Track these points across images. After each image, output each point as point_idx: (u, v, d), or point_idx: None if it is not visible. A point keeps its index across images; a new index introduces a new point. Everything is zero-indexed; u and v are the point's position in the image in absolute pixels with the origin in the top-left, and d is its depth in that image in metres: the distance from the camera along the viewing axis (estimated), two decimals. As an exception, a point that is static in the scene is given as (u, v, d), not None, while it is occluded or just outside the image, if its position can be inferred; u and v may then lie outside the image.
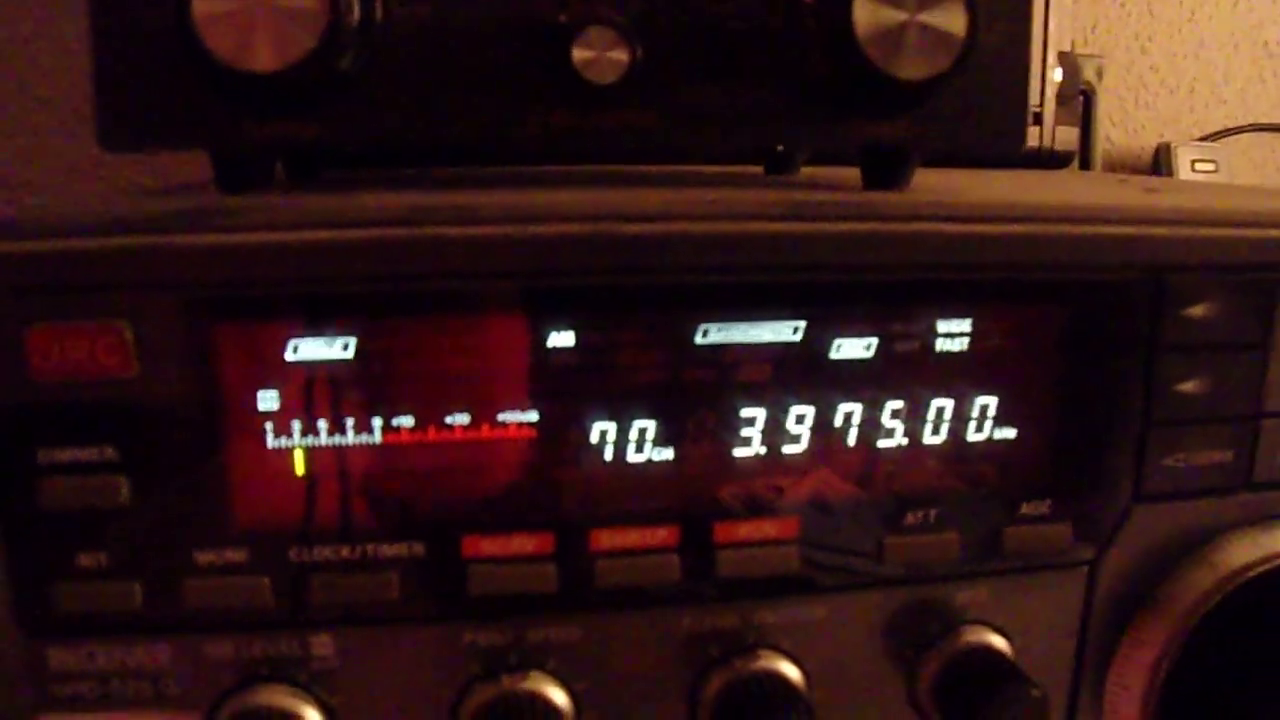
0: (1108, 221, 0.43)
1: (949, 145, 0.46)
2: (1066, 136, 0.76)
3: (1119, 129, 1.01)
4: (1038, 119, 0.74)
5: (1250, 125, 1.00)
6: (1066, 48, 0.76)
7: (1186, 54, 1.01)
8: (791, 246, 0.40)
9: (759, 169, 0.66)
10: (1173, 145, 0.90)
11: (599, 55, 0.42)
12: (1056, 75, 0.74)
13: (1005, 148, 0.47)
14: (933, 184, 0.52)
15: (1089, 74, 0.81)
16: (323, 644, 0.41)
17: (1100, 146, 0.85)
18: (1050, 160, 0.75)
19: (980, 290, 0.43)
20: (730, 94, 0.44)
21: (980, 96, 0.45)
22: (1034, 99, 0.72)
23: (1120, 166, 0.99)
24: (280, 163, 0.56)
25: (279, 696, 0.40)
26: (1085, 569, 0.46)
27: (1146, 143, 1.00)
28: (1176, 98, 1.02)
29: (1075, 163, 0.79)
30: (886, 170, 0.48)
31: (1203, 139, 0.96)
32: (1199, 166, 0.90)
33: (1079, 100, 0.80)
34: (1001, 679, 0.42)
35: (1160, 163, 0.92)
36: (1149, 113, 1.02)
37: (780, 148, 0.61)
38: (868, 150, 0.48)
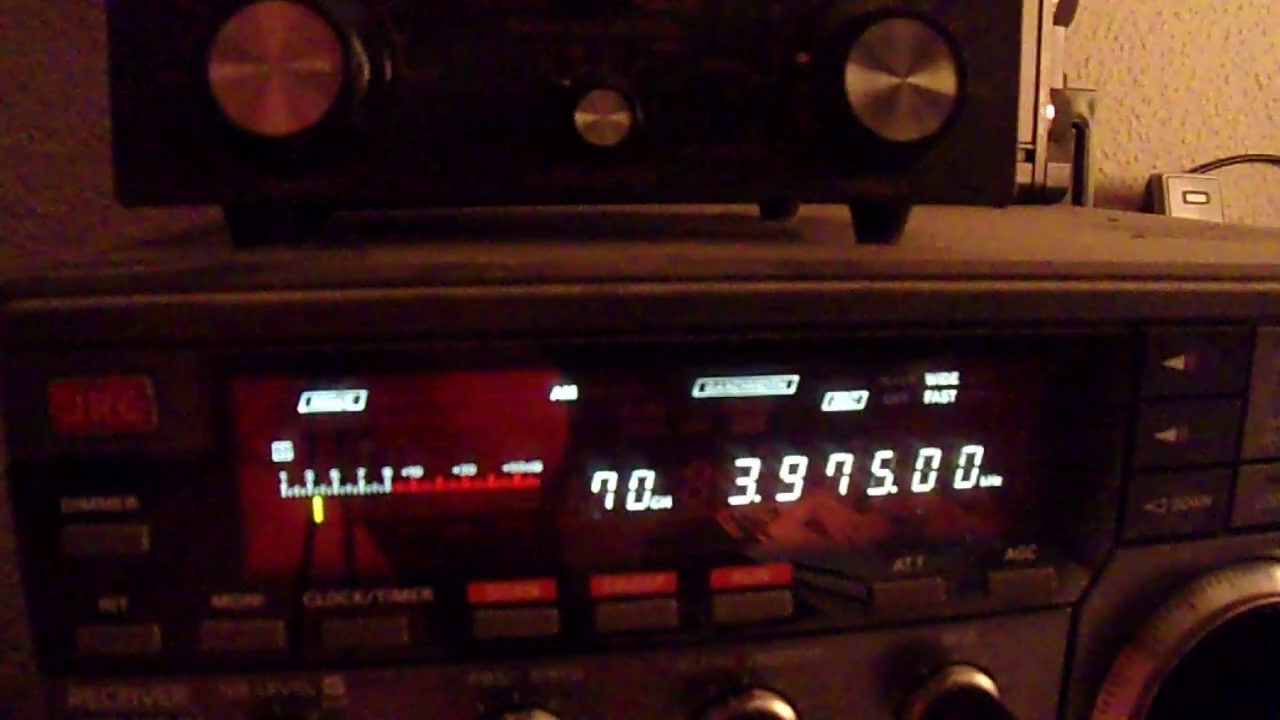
0: (1090, 278, 0.44)
1: (938, 199, 0.48)
2: (1059, 173, 0.77)
3: (1111, 160, 1.02)
4: (1029, 156, 0.75)
5: (1242, 156, 1.02)
6: (1059, 84, 0.77)
7: (1178, 86, 1.03)
8: (786, 305, 0.42)
9: (754, 208, 0.68)
10: (1165, 177, 0.92)
11: (601, 118, 0.43)
12: (1049, 112, 0.75)
13: (993, 200, 0.48)
14: (925, 229, 0.53)
15: (1081, 108, 0.82)
16: (334, 684, 0.42)
17: (1094, 178, 0.86)
18: (1042, 196, 0.77)
19: (967, 345, 0.44)
20: (726, 152, 0.46)
21: (969, 151, 0.47)
22: (1025, 135, 0.73)
23: (1113, 198, 1.00)
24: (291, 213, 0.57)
25: (293, 735, 0.42)
26: (1069, 610, 0.47)
27: (1139, 173, 1.01)
28: (1169, 129, 1.03)
29: (1068, 196, 0.81)
30: (878, 223, 0.49)
31: (1194, 170, 0.98)
32: (1190, 198, 0.91)
33: (1071, 133, 0.81)
34: (987, 717, 0.44)
35: (1152, 195, 0.93)
36: (1141, 144, 1.03)
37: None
38: (860, 204, 0.50)
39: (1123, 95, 1.01)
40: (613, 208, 0.58)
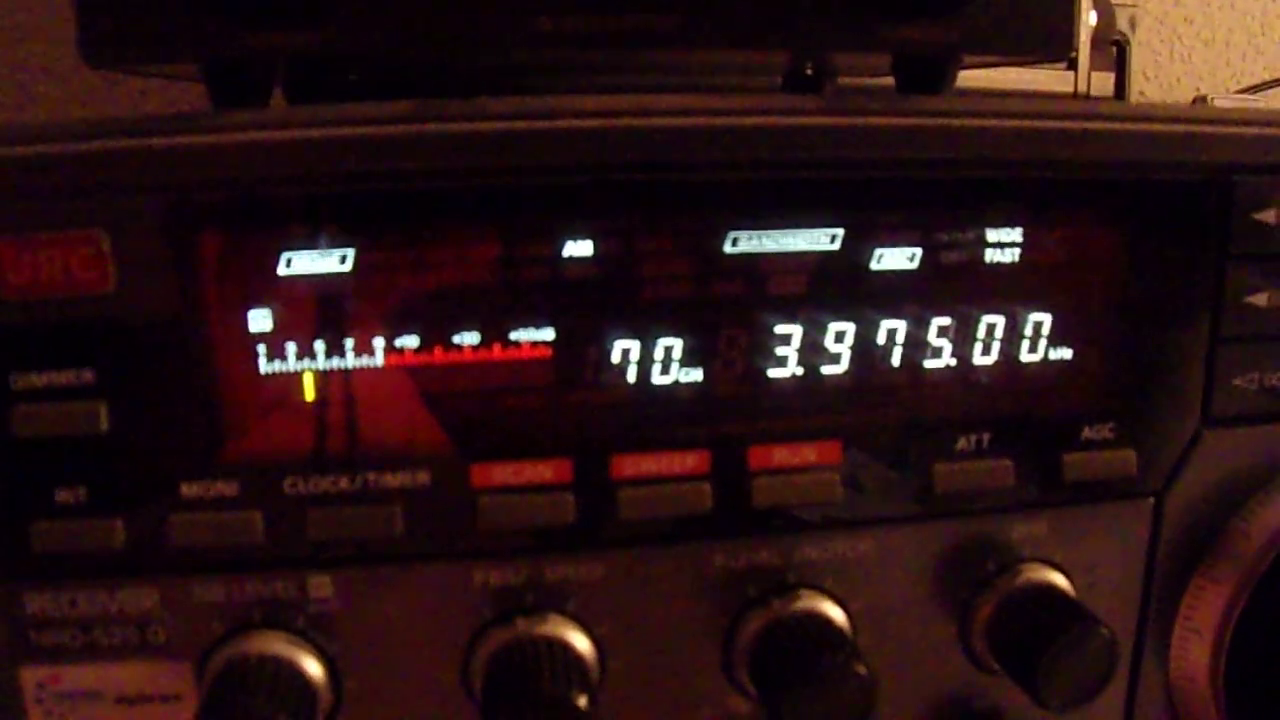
0: (1170, 120, 0.40)
1: (990, 49, 0.43)
2: (1101, 84, 0.73)
3: (1152, 83, 0.98)
4: (1072, 64, 0.71)
5: (1290, 77, 0.97)
6: (1104, -10, 0.73)
7: (1221, 5, 0.98)
8: (828, 141, 0.37)
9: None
10: (1210, 99, 0.87)
11: (617, -54, 0.39)
12: (1091, 19, 0.71)
13: (1051, 53, 0.43)
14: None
15: (1122, 23, 0.77)
16: (321, 586, 0.38)
17: (1133, 100, 0.82)
18: (1086, 107, 0.72)
19: (1032, 195, 0.40)
20: (760, -8, 0.41)
21: (1025, -2, 0.42)
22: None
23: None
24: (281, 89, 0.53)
25: (275, 644, 0.37)
26: (1151, 500, 0.43)
27: (1182, 97, 0.97)
28: (1212, 50, 0.99)
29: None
30: (924, 78, 0.44)
31: (1240, 92, 0.93)
32: (1237, 107, 0.87)
33: (1112, 49, 0.76)
34: (1066, 619, 0.39)
35: (1197, 115, 0.89)
36: (1184, 66, 0.99)
37: (809, 72, 0.58)
38: (905, 57, 0.45)
39: (1163, 14, 0.97)
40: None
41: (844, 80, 0.59)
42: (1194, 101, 0.89)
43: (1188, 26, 0.98)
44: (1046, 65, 0.70)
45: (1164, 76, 0.99)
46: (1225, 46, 0.99)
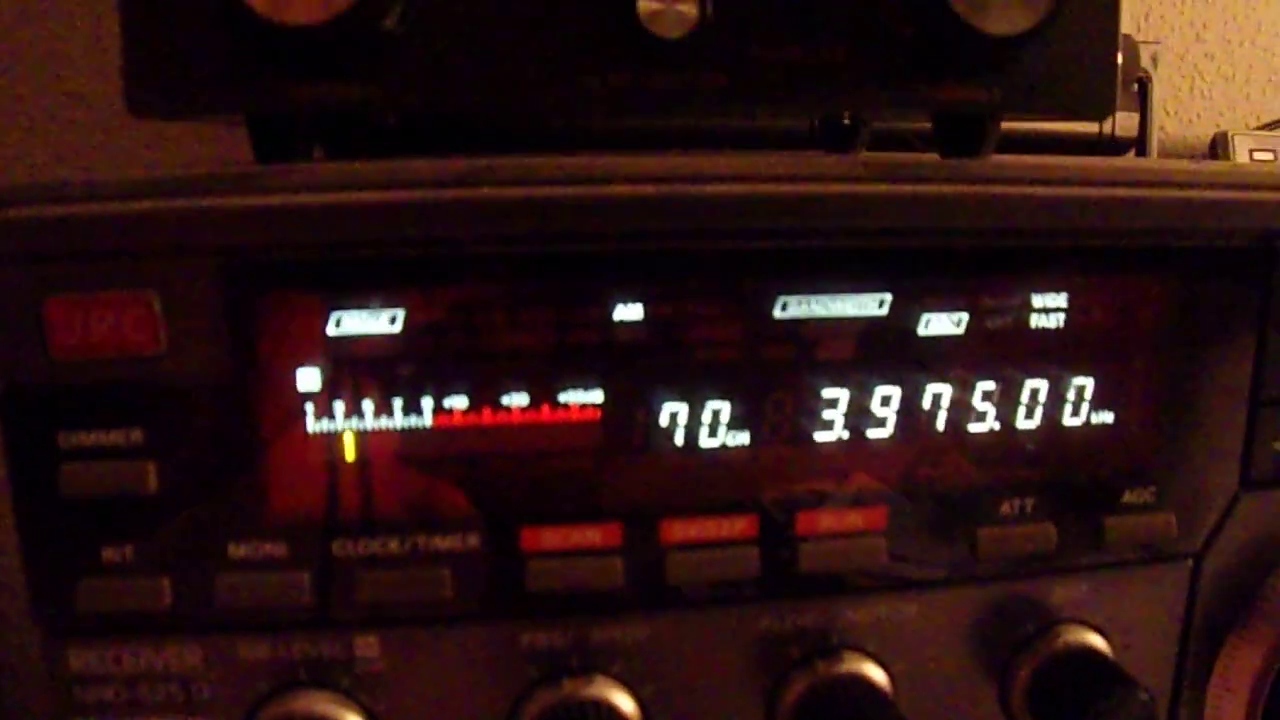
0: (1213, 186, 0.40)
1: (1033, 109, 0.43)
2: (1126, 123, 0.73)
3: (1173, 119, 0.98)
4: (1096, 103, 0.71)
5: (1311, 113, 0.97)
6: (1123, 27, 0.72)
7: (1243, 40, 0.98)
8: (876, 209, 0.37)
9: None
10: (1230, 134, 0.87)
11: (666, 7, 0.39)
12: (1117, 58, 0.70)
13: (1093, 112, 0.43)
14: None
15: (1145, 61, 0.78)
16: (367, 645, 0.38)
17: (1154, 136, 0.82)
18: (1110, 147, 0.72)
19: (1077, 260, 0.40)
20: (805, 53, 0.41)
21: (1068, 57, 0.42)
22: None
23: (1176, 157, 0.96)
24: (319, 143, 0.53)
25: (320, 703, 0.37)
26: (1189, 562, 0.43)
27: (1202, 132, 0.97)
28: (1232, 86, 0.99)
29: (1132, 151, 0.76)
30: (965, 137, 0.45)
31: (1260, 129, 0.93)
32: (1258, 156, 0.87)
33: (1135, 87, 0.77)
34: (1105, 682, 0.39)
35: (1218, 152, 0.89)
36: (1204, 101, 0.99)
37: (847, 121, 0.58)
38: (945, 116, 0.45)
39: (1184, 50, 0.97)
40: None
41: (879, 125, 0.59)
42: (1214, 139, 0.89)
43: (1208, 63, 0.98)
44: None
45: (1185, 112, 0.99)
46: (1246, 83, 0.99)
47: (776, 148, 0.65)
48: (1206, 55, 0.98)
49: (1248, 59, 0.99)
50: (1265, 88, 0.99)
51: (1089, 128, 0.71)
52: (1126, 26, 0.88)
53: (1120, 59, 0.72)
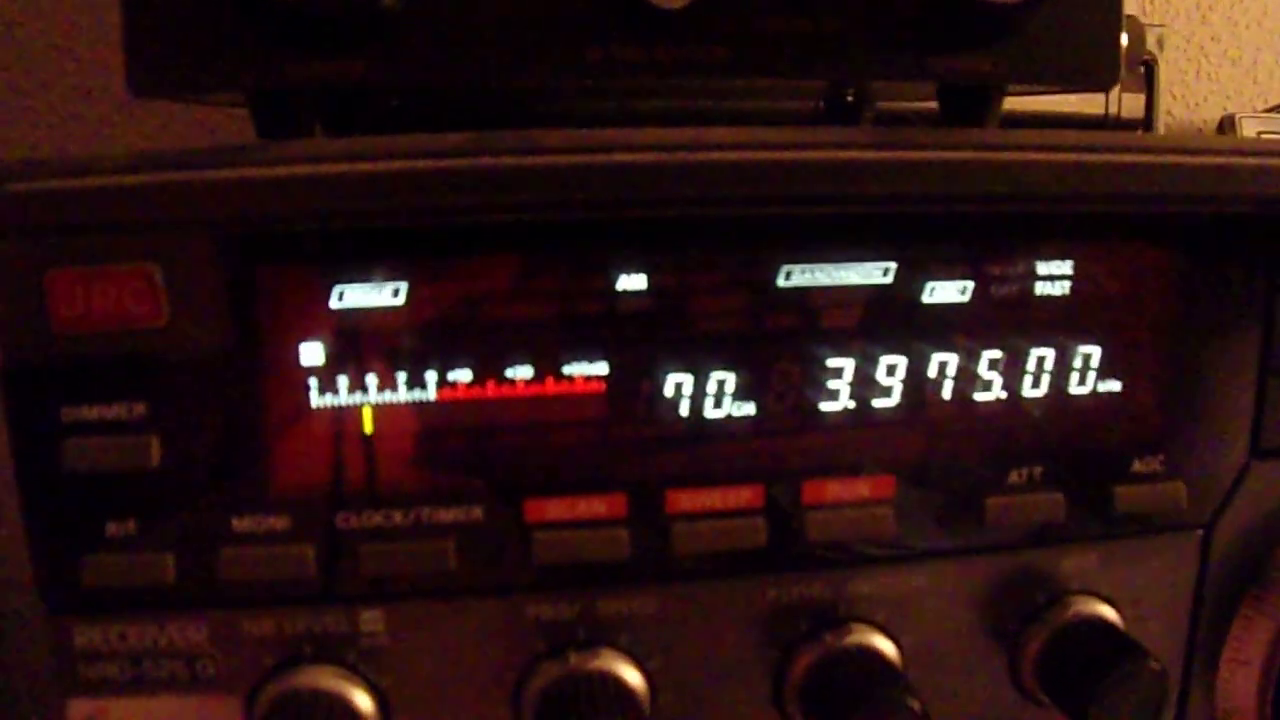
0: (1220, 153, 0.39)
1: (1036, 79, 0.43)
2: (1132, 104, 0.72)
3: (1179, 102, 0.97)
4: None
5: (1319, 95, 0.97)
6: (1130, 11, 0.72)
7: (1249, 23, 0.98)
8: (880, 175, 0.37)
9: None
10: (1238, 117, 0.87)
11: (666, -23, 0.38)
12: (1122, 39, 0.70)
13: (1097, 81, 0.43)
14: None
15: (1151, 43, 0.77)
16: (372, 620, 0.37)
17: (1161, 119, 0.81)
18: (1116, 128, 0.72)
19: (1083, 227, 0.39)
20: (807, 24, 0.41)
21: (1070, 24, 0.42)
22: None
23: (1183, 140, 0.95)
24: (322, 125, 0.53)
25: (325, 678, 0.37)
26: (1200, 532, 0.42)
27: (1209, 115, 0.97)
28: (1239, 69, 0.98)
29: (1140, 132, 0.76)
30: (969, 107, 0.44)
31: (1267, 111, 0.93)
32: (1266, 138, 0.87)
33: (1141, 69, 0.76)
34: (1116, 652, 0.39)
35: (1225, 134, 0.88)
36: (1211, 84, 0.98)
37: (850, 98, 0.58)
38: (949, 88, 0.45)
39: (1190, 33, 0.96)
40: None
41: (883, 105, 0.59)
42: (1221, 121, 0.89)
43: (1214, 45, 0.98)
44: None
45: (1191, 96, 0.98)
46: (1253, 65, 0.99)
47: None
48: (1213, 38, 0.98)
49: (1254, 42, 0.98)
50: (1273, 70, 0.99)
51: (1095, 109, 0.71)
52: (1132, 8, 0.87)
53: (1125, 40, 0.72)
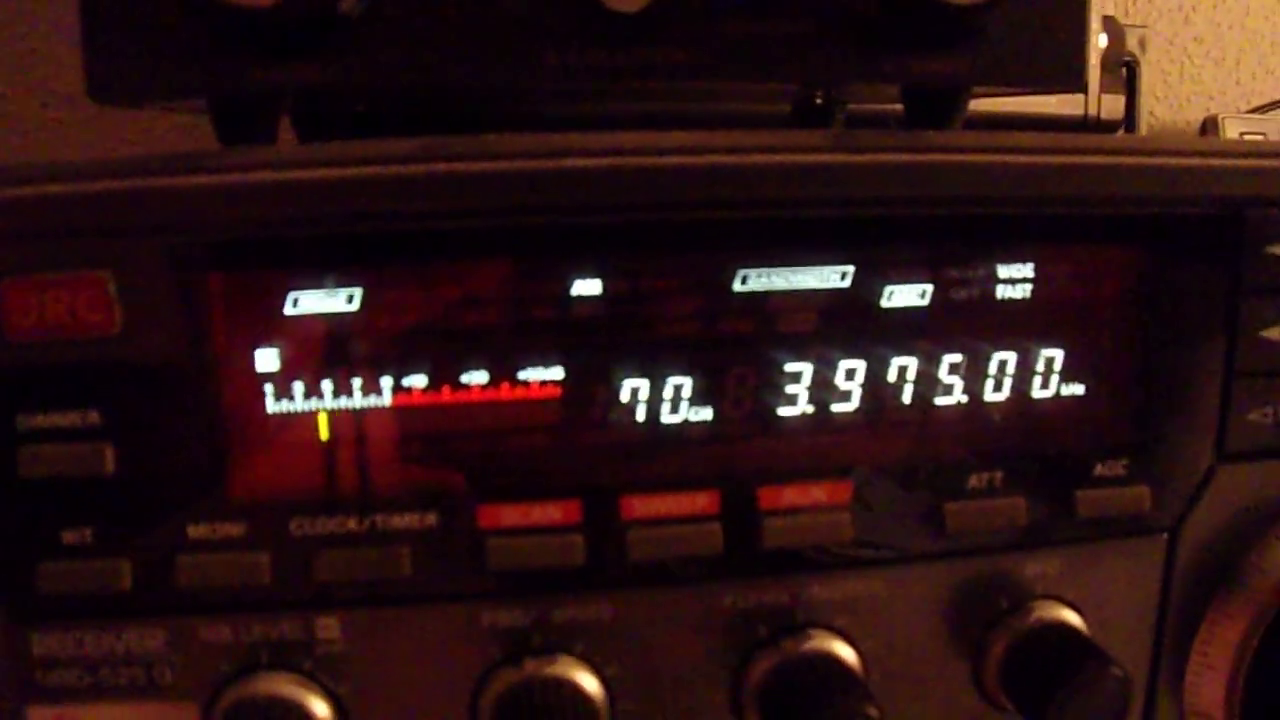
0: (1181, 154, 0.39)
1: (1001, 80, 0.43)
2: (1112, 105, 0.72)
3: (1162, 103, 0.97)
4: (1082, 86, 0.70)
5: (1302, 97, 0.96)
6: (1110, 12, 0.72)
7: (1232, 24, 0.98)
8: (837, 178, 0.37)
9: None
10: (1221, 118, 0.87)
11: (623, -20, 0.38)
12: (1101, 40, 0.70)
13: (1064, 82, 0.43)
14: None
15: (1132, 44, 0.77)
16: (328, 627, 0.37)
17: (1144, 121, 0.81)
18: (1096, 129, 0.72)
19: (1043, 230, 0.39)
20: (768, 27, 0.41)
21: (1036, 25, 0.41)
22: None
23: (1166, 141, 0.95)
24: (292, 131, 0.53)
25: (282, 685, 0.37)
26: (1165, 537, 0.42)
27: (1192, 116, 0.97)
28: (1222, 70, 0.98)
29: (1120, 133, 0.76)
30: (934, 109, 0.44)
31: (1250, 112, 0.93)
32: (1249, 140, 0.86)
33: (1123, 70, 0.76)
34: (1079, 658, 0.38)
35: (1208, 136, 0.88)
36: (1194, 86, 0.98)
37: (819, 99, 0.58)
38: (915, 90, 0.44)
39: (1173, 34, 0.96)
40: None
41: (854, 107, 0.59)
42: (1204, 122, 0.89)
43: (1197, 46, 0.98)
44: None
45: (1174, 97, 0.98)
46: (1235, 66, 0.98)
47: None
48: (1195, 39, 0.98)
49: (1237, 42, 0.98)
50: (1255, 71, 0.99)
51: (1075, 111, 0.71)
52: (1114, 10, 0.87)
53: (1105, 41, 0.72)
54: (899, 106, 0.47)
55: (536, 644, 0.38)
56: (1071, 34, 0.43)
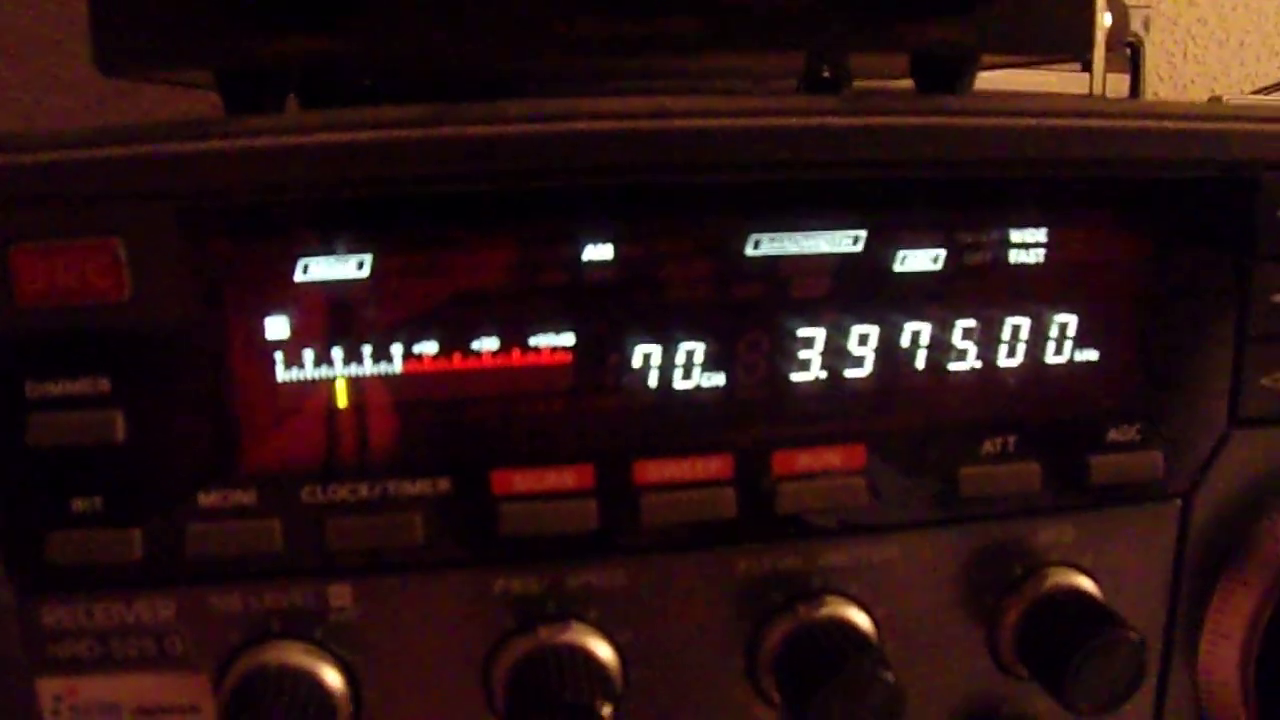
0: (1194, 117, 0.39)
1: (1010, 48, 0.43)
2: (1117, 86, 0.72)
3: (1166, 84, 0.97)
4: (1086, 65, 0.70)
5: (1307, 77, 0.96)
6: (1113, -8, 0.72)
7: (1236, 5, 0.98)
8: (849, 141, 0.36)
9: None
10: (1225, 98, 0.87)
11: (634, -52, 0.38)
12: (1106, 20, 0.70)
13: (1070, 50, 0.43)
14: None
15: (1137, 25, 0.77)
16: (340, 595, 0.37)
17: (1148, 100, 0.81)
18: (1101, 108, 0.71)
19: (1056, 195, 0.39)
20: (778, -5, 0.40)
21: (1044, -8, 0.41)
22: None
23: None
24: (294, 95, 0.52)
25: (293, 654, 0.36)
26: (1178, 503, 0.42)
27: (1196, 97, 0.96)
28: (1226, 50, 0.98)
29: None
30: (942, 78, 0.44)
31: (1254, 93, 0.93)
32: (1264, 103, 0.86)
33: (1127, 51, 0.76)
34: (1093, 623, 0.38)
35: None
36: (1198, 67, 0.98)
37: (827, 74, 0.58)
38: (923, 58, 0.44)
39: (1177, 15, 0.96)
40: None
41: (861, 83, 0.58)
42: (1209, 102, 0.89)
43: (1202, 27, 0.98)
44: (1061, 68, 0.69)
45: (1178, 77, 0.98)
46: (1240, 47, 0.98)
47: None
48: (1200, 20, 0.98)
49: (1241, 24, 0.98)
50: (1260, 52, 0.99)
51: (1080, 90, 0.71)
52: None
53: (1110, 21, 0.71)
54: (906, 82, 0.47)
55: (549, 611, 0.38)
56: (1077, 4, 0.43)
